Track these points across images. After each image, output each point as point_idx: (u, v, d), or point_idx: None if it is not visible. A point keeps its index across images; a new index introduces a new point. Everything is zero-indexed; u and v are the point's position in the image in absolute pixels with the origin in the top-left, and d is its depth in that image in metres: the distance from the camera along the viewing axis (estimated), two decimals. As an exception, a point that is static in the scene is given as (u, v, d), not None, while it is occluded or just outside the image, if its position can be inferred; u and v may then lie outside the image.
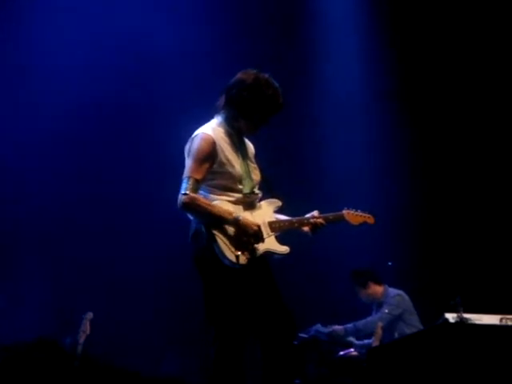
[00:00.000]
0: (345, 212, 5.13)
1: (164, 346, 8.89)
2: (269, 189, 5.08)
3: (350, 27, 9.68)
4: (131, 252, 8.96)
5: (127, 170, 9.11)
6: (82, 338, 7.85)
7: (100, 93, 8.90)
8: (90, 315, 8.01)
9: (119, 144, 9.15)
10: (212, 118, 4.99)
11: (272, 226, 4.90)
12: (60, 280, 8.82)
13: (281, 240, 4.93)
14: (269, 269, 4.89)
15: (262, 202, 5.00)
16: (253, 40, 9.22)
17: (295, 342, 5.06)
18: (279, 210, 5.04)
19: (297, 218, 5.03)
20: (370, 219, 5.22)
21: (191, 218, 4.84)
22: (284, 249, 4.91)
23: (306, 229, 5.02)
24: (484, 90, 9.47)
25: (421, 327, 7.90)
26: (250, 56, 8.44)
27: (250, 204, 4.90)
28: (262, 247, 4.81)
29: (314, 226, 4.99)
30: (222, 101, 4.96)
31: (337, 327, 8.00)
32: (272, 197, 5.06)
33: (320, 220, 4.99)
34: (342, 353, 7.92)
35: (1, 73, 8.89)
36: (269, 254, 4.87)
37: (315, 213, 5.03)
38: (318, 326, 8.01)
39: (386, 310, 7.99)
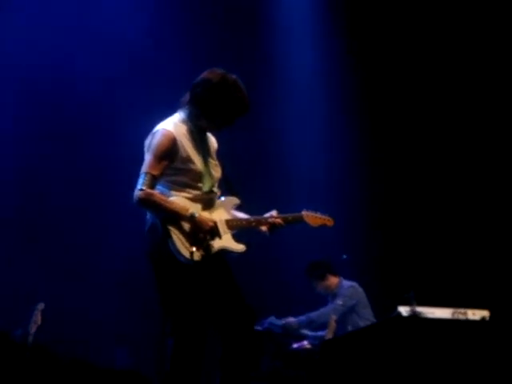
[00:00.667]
0: (304, 213, 5.13)
1: (118, 338, 8.84)
2: (228, 186, 5.05)
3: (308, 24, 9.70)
4: (88, 242, 8.92)
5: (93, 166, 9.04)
6: (33, 329, 7.77)
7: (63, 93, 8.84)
8: (41, 306, 7.92)
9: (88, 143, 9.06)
10: (175, 112, 4.92)
11: (229, 223, 4.88)
12: (12, 268, 8.72)
13: (238, 238, 4.91)
14: (226, 265, 4.87)
15: (221, 200, 4.97)
16: (217, 39, 9.18)
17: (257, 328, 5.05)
18: (238, 208, 5.01)
19: (255, 217, 5.01)
20: (329, 222, 5.23)
21: (147, 213, 4.81)
22: (240, 247, 4.89)
23: (263, 228, 5.00)
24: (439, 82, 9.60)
25: (374, 320, 7.96)
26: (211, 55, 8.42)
27: (208, 201, 4.87)
28: (217, 245, 4.79)
29: (273, 226, 4.98)
30: (186, 97, 4.89)
31: (290, 319, 8.02)
32: (231, 195, 5.03)
33: (278, 220, 4.98)
34: (295, 345, 7.95)
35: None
36: (225, 252, 4.85)
37: (274, 212, 5.02)
38: (272, 319, 8.02)
39: (340, 302, 8.01)
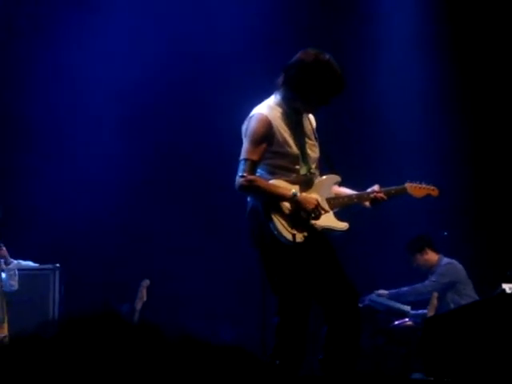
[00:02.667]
0: (407, 185, 5.07)
1: (221, 314, 8.95)
2: (329, 164, 5.02)
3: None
4: (189, 223, 9.05)
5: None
6: (138, 305, 7.98)
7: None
8: (146, 282, 8.13)
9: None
10: (271, 94, 4.90)
11: (330, 202, 4.86)
12: (117, 247, 8.91)
13: (340, 216, 4.90)
14: (329, 244, 4.87)
15: (321, 178, 4.94)
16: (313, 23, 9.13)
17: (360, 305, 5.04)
18: (339, 185, 4.99)
19: (356, 193, 4.98)
20: (434, 191, 5.15)
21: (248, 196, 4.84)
22: (343, 225, 4.88)
23: (366, 203, 4.96)
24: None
25: (476, 297, 7.84)
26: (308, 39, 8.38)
27: (306, 182, 4.85)
28: (320, 224, 4.78)
29: (375, 201, 4.92)
30: (280, 79, 4.85)
31: (382, 291, 7.98)
32: (331, 172, 5.00)
33: (381, 194, 4.92)
34: (396, 322, 7.91)
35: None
36: (328, 231, 4.85)
37: (376, 187, 4.95)
38: (373, 296, 7.99)
39: (434, 279, 7.93)
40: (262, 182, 4.71)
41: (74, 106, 9.06)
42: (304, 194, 4.76)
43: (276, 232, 4.68)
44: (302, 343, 4.75)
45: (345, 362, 4.77)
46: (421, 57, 9.53)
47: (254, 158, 4.69)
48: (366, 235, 8.72)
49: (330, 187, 4.94)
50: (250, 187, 4.68)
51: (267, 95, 4.92)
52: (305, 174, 4.84)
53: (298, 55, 4.84)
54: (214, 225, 9.01)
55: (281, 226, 4.69)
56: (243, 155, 4.71)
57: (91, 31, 8.96)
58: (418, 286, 7.97)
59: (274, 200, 4.70)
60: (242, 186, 4.68)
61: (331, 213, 4.87)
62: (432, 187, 5.14)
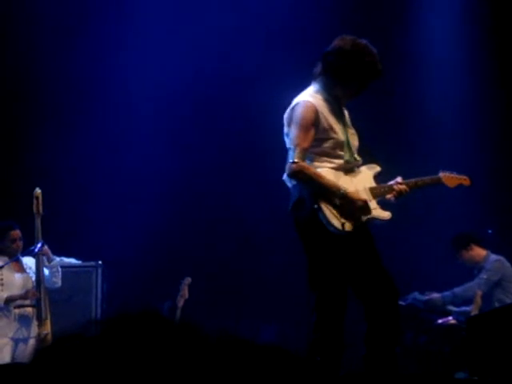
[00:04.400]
0: (441, 175, 5.08)
1: (262, 313, 8.94)
2: (368, 154, 5.02)
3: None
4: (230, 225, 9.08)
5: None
6: (180, 303, 8.00)
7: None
8: (188, 280, 8.15)
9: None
10: (309, 85, 4.91)
11: (373, 191, 4.87)
12: (159, 245, 8.96)
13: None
14: (370, 235, 4.87)
15: (362, 168, 4.95)
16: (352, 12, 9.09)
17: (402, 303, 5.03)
18: (378, 176, 5.00)
19: (389, 183, 4.97)
20: (466, 181, 5.15)
21: (291, 186, 4.81)
22: (387, 214, 4.87)
23: (389, 196, 4.94)
24: None
25: (522, 296, 7.74)
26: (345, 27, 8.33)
27: (350, 170, 4.86)
28: (365, 216, 4.77)
29: (399, 193, 4.92)
30: (318, 68, 4.87)
31: (434, 295, 7.91)
32: (372, 162, 5.01)
33: (403, 186, 4.91)
34: (440, 321, 7.84)
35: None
36: (371, 220, 4.84)
37: (399, 179, 4.96)
38: (416, 294, 7.94)
39: (485, 276, 7.84)
40: (313, 171, 4.70)
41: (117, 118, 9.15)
42: (352, 191, 4.74)
43: (325, 221, 4.66)
44: (341, 338, 4.73)
45: (386, 359, 4.74)
46: (463, 50, 9.43)
47: (305, 144, 4.69)
48: (408, 234, 8.66)
49: (371, 176, 4.94)
50: (302, 173, 4.67)
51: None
52: (348, 161, 4.84)
53: (336, 42, 4.85)
54: (255, 225, 9.00)
55: (331, 214, 4.67)
56: (294, 142, 4.69)
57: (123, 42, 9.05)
58: (471, 284, 7.88)
59: (322, 191, 4.69)
60: (294, 172, 4.66)
61: (375, 202, 4.85)
62: (464, 177, 5.14)
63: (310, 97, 4.80)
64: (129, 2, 9.28)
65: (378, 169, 4.99)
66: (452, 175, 5.09)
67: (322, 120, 4.75)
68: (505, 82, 9.25)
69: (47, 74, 9.03)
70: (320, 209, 4.66)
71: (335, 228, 4.66)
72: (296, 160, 4.65)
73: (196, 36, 9.08)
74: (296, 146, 4.67)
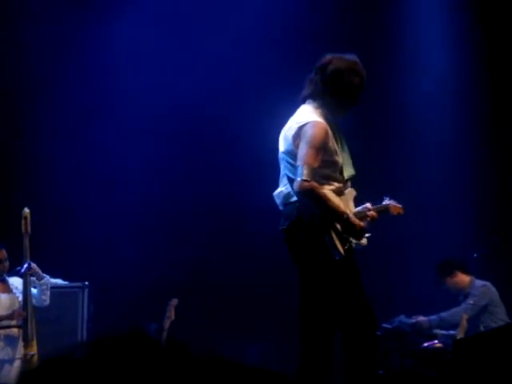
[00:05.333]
0: (388, 203, 5.09)
1: (248, 333, 8.93)
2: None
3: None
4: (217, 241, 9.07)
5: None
6: (166, 324, 7.98)
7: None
8: (174, 301, 8.14)
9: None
10: (297, 106, 4.91)
11: (356, 216, 4.85)
12: (146, 268, 8.95)
13: None
14: (355, 262, 4.85)
15: (346, 191, 4.94)
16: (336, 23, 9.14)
17: (379, 333, 5.03)
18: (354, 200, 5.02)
19: (361, 210, 4.97)
20: (401, 210, 5.17)
21: (284, 206, 4.79)
22: (365, 241, 4.87)
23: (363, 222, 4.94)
24: None
25: (508, 320, 7.76)
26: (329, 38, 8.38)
27: (341, 192, 4.86)
28: (354, 241, 4.78)
29: (372, 219, 4.94)
30: (312, 89, 4.87)
31: (421, 319, 7.92)
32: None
33: (374, 213, 4.93)
34: (426, 344, 7.84)
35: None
36: (356, 247, 4.84)
37: (368, 205, 4.97)
38: (402, 317, 7.94)
39: (471, 301, 7.85)
40: (323, 192, 4.66)
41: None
42: (353, 217, 4.73)
43: (331, 245, 4.64)
44: (330, 360, 4.71)
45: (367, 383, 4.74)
46: (449, 55, 9.45)
47: (315, 164, 4.64)
48: (395, 257, 8.68)
49: (352, 201, 4.95)
50: (313, 193, 4.62)
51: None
52: (343, 184, 4.86)
53: (328, 61, 4.87)
54: (243, 243, 9.00)
55: (336, 239, 4.66)
56: (304, 160, 4.62)
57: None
58: (457, 309, 7.89)
59: (328, 213, 4.66)
60: (305, 191, 4.60)
61: None
62: (400, 205, 5.15)
63: (319, 117, 4.77)
64: (129, 4, 9.30)
65: (355, 193, 4.99)
66: (394, 204, 5.10)
67: (330, 143, 4.75)
68: (496, 96, 9.30)
69: (40, 85, 9.04)
70: (328, 233, 4.64)
71: (339, 253, 4.64)
72: (307, 178, 4.58)
73: (194, 45, 9.15)
74: (306, 164, 4.60)
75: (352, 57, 4.89)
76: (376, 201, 5.06)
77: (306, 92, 4.91)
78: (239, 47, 9.09)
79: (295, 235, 4.73)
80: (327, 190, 4.72)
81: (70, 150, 9.04)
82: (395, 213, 5.13)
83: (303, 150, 4.65)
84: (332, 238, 4.64)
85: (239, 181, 8.89)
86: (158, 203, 9.09)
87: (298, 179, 4.60)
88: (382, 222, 5.03)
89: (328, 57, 4.89)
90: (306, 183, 4.58)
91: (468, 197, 9.10)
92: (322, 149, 4.68)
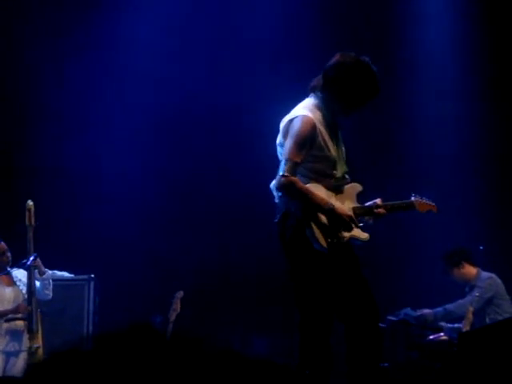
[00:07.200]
0: (414, 200, 5.06)
1: (253, 326, 8.94)
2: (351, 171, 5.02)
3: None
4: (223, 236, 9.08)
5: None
6: (172, 317, 7.98)
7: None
8: (180, 294, 8.13)
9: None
10: (305, 97, 4.90)
11: (355, 211, 4.84)
12: (153, 260, 8.96)
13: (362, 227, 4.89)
14: (354, 254, 4.85)
15: (347, 186, 4.92)
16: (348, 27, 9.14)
17: (383, 325, 5.03)
18: (359, 195, 5.00)
19: (367, 205, 4.95)
20: (434, 208, 5.15)
21: (278, 198, 4.80)
22: (365, 236, 4.86)
23: (367, 218, 4.93)
24: None
25: (513, 313, 7.76)
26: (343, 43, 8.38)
27: (339, 188, 4.85)
28: (347, 234, 4.77)
29: (377, 216, 4.92)
30: (318, 82, 4.85)
31: (426, 311, 7.91)
32: (353, 180, 4.99)
33: (382, 210, 4.90)
34: (431, 337, 7.84)
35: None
36: (352, 241, 4.82)
37: (378, 201, 4.94)
38: (408, 310, 7.93)
39: (477, 293, 7.84)
40: (302, 186, 4.67)
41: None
42: (340, 207, 4.74)
43: (311, 236, 4.65)
44: (327, 353, 4.71)
45: (369, 376, 4.74)
46: (457, 60, 9.46)
47: (297, 159, 4.65)
48: (400, 250, 8.67)
49: (354, 196, 4.93)
50: (291, 188, 4.63)
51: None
52: (338, 180, 4.84)
53: (337, 57, 4.84)
54: (248, 238, 9.01)
55: (317, 230, 4.66)
56: (286, 155, 4.65)
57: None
58: (462, 301, 7.88)
59: (310, 207, 4.67)
60: (283, 186, 4.63)
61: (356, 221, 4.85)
62: (433, 203, 5.14)
63: (309, 111, 4.76)
64: (130, 7, 9.30)
65: (360, 188, 4.96)
66: (423, 201, 5.09)
67: (319, 137, 4.73)
68: (498, 94, 9.29)
69: (39, 87, 9.05)
70: (309, 225, 4.65)
71: (320, 245, 4.65)
72: (286, 174, 4.61)
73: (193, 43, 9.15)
74: (288, 159, 4.63)
75: (364, 58, 4.84)
76: (376, 197, 5.03)
77: (312, 84, 4.89)
78: (245, 47, 9.08)
79: (283, 228, 4.75)
80: (312, 184, 4.72)
81: (76, 145, 9.03)
82: (424, 210, 5.10)
83: (287, 145, 4.69)
84: (313, 230, 4.64)
85: (244, 179, 8.89)
86: (165, 196, 9.09)
87: (278, 175, 4.65)
88: (389, 215, 4.99)
89: (338, 54, 4.87)
90: (284, 178, 4.61)
91: (473, 189, 9.09)
92: (306, 144, 4.68)
